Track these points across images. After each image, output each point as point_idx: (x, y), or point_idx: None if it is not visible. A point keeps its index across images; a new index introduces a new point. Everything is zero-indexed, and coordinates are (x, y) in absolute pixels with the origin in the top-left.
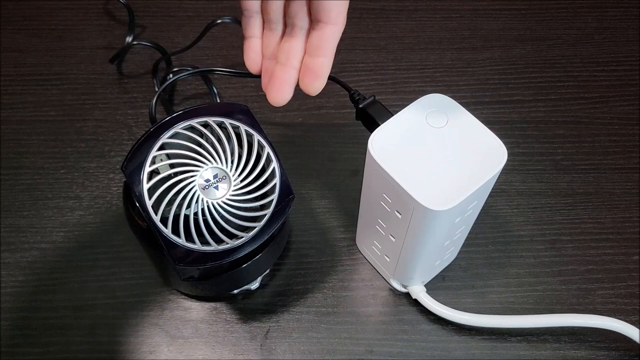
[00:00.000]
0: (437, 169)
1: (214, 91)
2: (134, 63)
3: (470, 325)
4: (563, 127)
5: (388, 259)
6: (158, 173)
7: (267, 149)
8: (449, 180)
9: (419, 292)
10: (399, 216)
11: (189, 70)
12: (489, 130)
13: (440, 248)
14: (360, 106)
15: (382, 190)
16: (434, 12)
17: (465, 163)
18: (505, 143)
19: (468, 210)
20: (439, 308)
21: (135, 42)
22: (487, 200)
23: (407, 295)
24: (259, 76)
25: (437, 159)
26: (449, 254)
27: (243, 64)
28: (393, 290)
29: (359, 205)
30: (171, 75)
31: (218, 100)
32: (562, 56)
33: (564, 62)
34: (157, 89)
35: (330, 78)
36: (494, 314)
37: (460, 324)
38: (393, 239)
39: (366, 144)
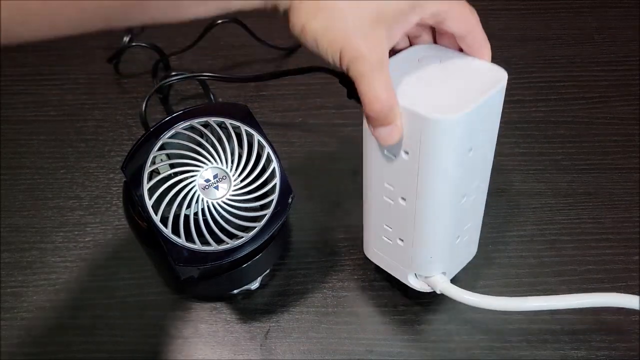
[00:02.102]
0: (439, 91)
1: (210, 95)
2: (134, 63)
3: (507, 310)
4: (563, 127)
5: (402, 243)
6: (158, 173)
7: (267, 149)
8: (454, 98)
9: (443, 283)
10: (407, 157)
11: (181, 75)
12: (484, 61)
13: (457, 208)
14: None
15: None
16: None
17: (466, 85)
18: (505, 143)
19: (479, 138)
20: (470, 297)
21: (133, 43)
22: (486, 200)
23: (407, 295)
24: (249, 80)
25: (438, 85)
26: (467, 238)
27: (243, 65)
28: (393, 291)
29: (362, 209)
30: (166, 80)
31: (213, 100)
32: (562, 56)
33: (564, 62)
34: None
35: (318, 68)
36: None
37: (490, 309)
38: (404, 202)
39: None
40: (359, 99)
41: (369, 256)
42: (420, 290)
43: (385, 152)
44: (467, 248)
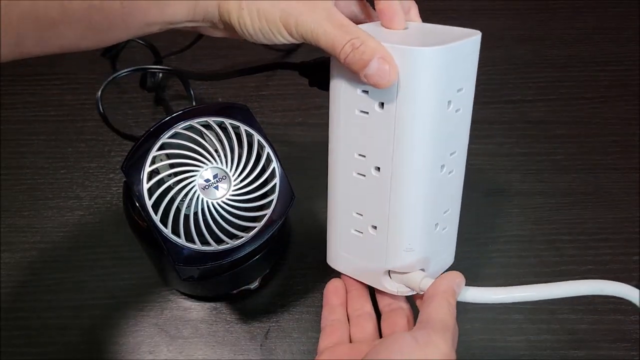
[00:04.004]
0: (415, 38)
1: (190, 92)
2: (134, 63)
3: (499, 303)
4: (563, 127)
5: (375, 232)
6: (158, 173)
7: (267, 149)
8: (431, 41)
9: (423, 279)
10: (382, 111)
11: (131, 68)
12: (456, 27)
13: (435, 180)
14: (312, 62)
15: (356, 87)
16: (434, 12)
17: (442, 36)
18: (505, 143)
19: (457, 93)
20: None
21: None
22: (487, 200)
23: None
24: (211, 78)
25: (414, 36)
26: (446, 230)
27: (242, 65)
28: None
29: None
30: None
31: (194, 103)
32: (561, 56)
33: (563, 62)
34: (150, 93)
35: (279, 64)
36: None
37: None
38: (378, 173)
39: None
40: (320, 85)
41: (333, 265)
42: (398, 293)
43: (357, 111)
44: (445, 246)
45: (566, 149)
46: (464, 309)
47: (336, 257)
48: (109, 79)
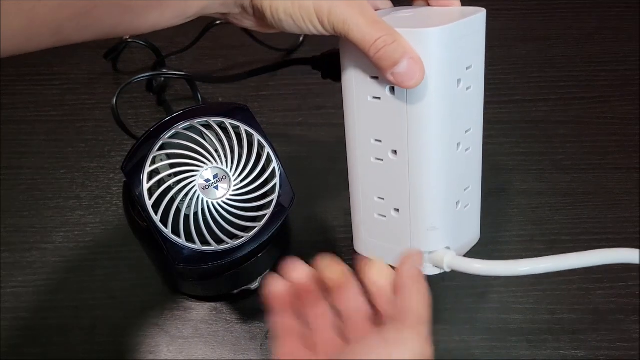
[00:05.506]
0: (422, 21)
1: (197, 95)
2: (135, 63)
3: (518, 275)
4: (563, 127)
5: (398, 215)
6: (158, 173)
7: (267, 149)
8: (437, 22)
9: (449, 257)
10: (393, 96)
11: (148, 74)
12: (459, 7)
13: (452, 158)
14: (323, 54)
15: (367, 73)
16: None
17: (448, 16)
18: (505, 143)
19: (466, 71)
20: (481, 265)
21: (130, 40)
22: (487, 200)
23: None
24: (226, 80)
25: (421, 19)
26: (469, 207)
27: (243, 65)
28: None
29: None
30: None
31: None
32: (562, 56)
33: (564, 61)
34: (151, 94)
35: (291, 61)
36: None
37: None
38: (395, 157)
39: None
40: (333, 77)
41: (359, 250)
42: (426, 273)
43: (369, 97)
44: (469, 223)
45: (566, 148)
46: (464, 309)
47: (362, 243)
48: (124, 85)
